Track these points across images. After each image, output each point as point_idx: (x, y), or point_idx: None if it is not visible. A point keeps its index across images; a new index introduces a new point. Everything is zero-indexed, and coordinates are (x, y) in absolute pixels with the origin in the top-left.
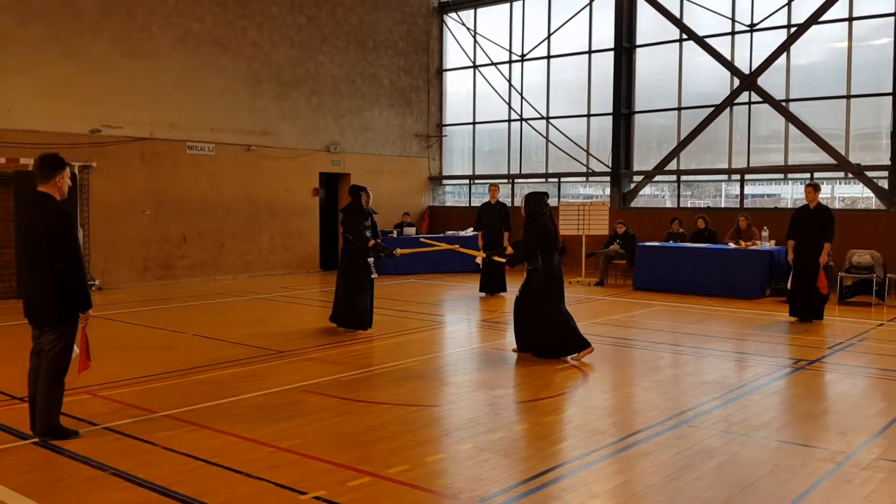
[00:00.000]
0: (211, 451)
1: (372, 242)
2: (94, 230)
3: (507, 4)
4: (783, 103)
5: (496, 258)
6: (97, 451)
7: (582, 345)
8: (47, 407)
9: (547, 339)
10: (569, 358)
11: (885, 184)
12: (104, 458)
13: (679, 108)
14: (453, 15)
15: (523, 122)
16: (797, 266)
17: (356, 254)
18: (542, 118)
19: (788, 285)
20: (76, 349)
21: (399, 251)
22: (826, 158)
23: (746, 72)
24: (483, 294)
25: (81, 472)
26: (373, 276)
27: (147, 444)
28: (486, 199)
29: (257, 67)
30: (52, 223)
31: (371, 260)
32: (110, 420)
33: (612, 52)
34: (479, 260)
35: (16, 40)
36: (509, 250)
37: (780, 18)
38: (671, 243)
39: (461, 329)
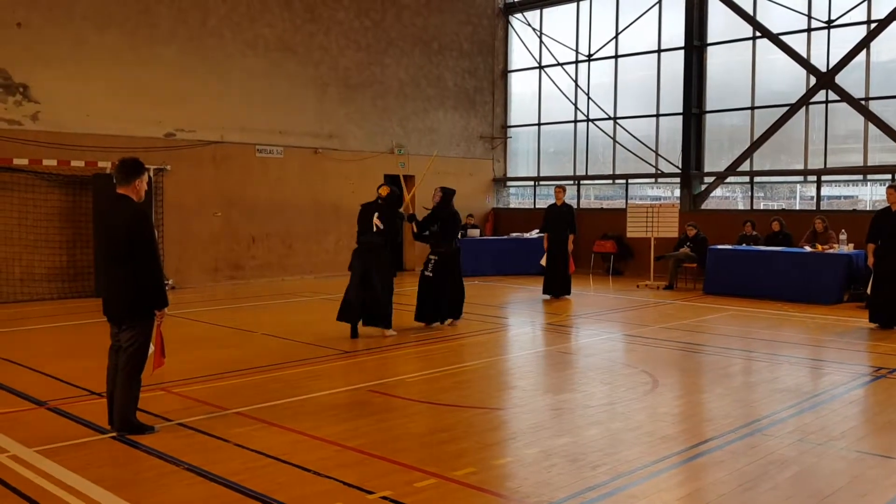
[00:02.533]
0: (280, 448)
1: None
2: (167, 231)
3: (574, 4)
4: (862, 102)
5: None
6: (171, 446)
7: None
8: (125, 402)
9: None
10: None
11: None
12: (178, 453)
13: (752, 108)
14: (519, 16)
15: (590, 123)
16: (878, 270)
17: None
18: (609, 118)
19: (869, 290)
20: (151, 346)
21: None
22: None
23: (823, 70)
24: (547, 296)
25: (157, 466)
26: (428, 273)
27: (219, 441)
28: (551, 200)
29: (324, 71)
30: (133, 224)
31: (434, 258)
32: (184, 416)
33: (681, 51)
34: (543, 261)
35: (94, 47)
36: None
37: (860, 14)
38: (744, 246)
39: (525, 332)
